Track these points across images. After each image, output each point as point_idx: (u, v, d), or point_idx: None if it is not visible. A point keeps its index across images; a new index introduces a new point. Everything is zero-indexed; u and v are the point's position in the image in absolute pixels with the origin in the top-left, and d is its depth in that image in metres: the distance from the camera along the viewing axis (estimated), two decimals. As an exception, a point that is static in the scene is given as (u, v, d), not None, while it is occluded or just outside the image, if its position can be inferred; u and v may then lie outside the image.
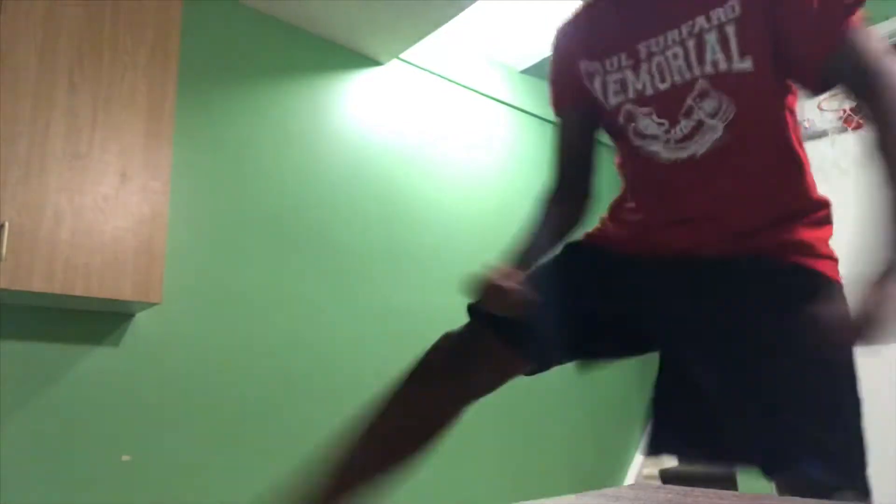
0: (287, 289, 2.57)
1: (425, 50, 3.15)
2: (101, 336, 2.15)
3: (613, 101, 1.15)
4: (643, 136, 1.13)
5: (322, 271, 2.68)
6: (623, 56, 1.13)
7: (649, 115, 1.11)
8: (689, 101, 1.06)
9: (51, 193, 1.86)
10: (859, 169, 2.76)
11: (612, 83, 1.15)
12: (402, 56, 3.08)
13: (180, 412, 2.23)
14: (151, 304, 2.04)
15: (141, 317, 2.22)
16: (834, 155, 2.83)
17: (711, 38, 1.03)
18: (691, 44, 1.05)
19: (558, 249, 1.25)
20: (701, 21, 1.04)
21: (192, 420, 2.25)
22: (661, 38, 1.08)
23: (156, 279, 1.99)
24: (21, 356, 2.00)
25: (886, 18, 2.65)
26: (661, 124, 1.10)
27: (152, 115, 2.08)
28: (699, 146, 1.07)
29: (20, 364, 1.99)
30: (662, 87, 1.09)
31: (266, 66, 2.69)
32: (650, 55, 1.09)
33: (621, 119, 1.15)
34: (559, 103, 1.28)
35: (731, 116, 1.04)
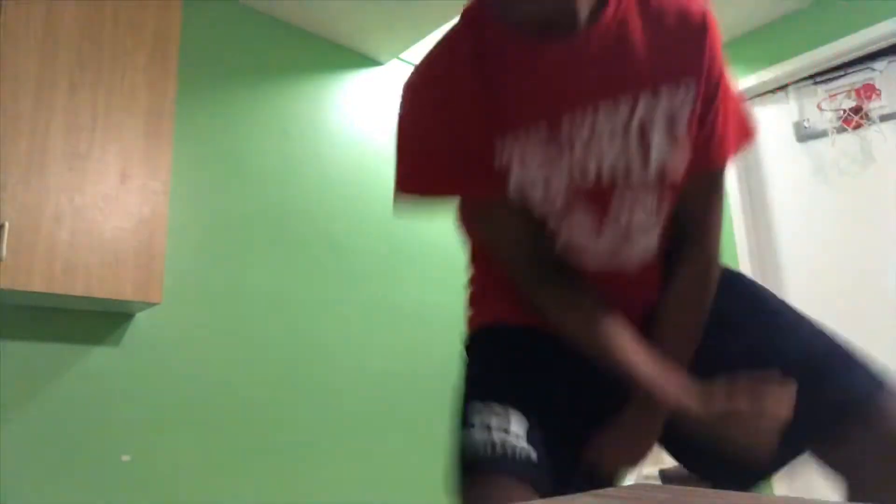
0: (287, 288, 2.57)
1: (425, 50, 3.15)
2: (101, 336, 2.15)
3: (537, 196, 0.88)
4: (567, 242, 0.92)
5: (322, 270, 2.68)
6: (542, 129, 0.84)
7: (567, 217, 0.90)
8: (615, 205, 0.88)
9: (51, 193, 1.86)
10: (859, 169, 2.76)
11: (532, 178, 0.86)
12: (402, 56, 3.08)
13: (180, 412, 2.23)
14: (151, 304, 2.03)
15: (141, 317, 2.22)
16: (834, 155, 2.84)
17: (659, 124, 0.83)
18: (634, 127, 0.83)
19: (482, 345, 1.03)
20: (647, 99, 0.83)
21: (192, 420, 2.25)
22: (588, 115, 0.83)
23: (156, 279, 1.99)
24: (21, 356, 2.00)
25: (886, 18, 2.65)
26: (589, 231, 0.90)
27: (152, 115, 2.08)
28: (629, 249, 0.93)
29: (20, 364, 1.99)
30: (585, 181, 0.86)
31: (266, 66, 2.69)
32: (574, 136, 0.84)
33: (551, 222, 0.90)
34: (481, 190, 0.88)
35: (667, 211, 0.91)
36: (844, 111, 2.82)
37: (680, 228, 0.94)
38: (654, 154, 0.84)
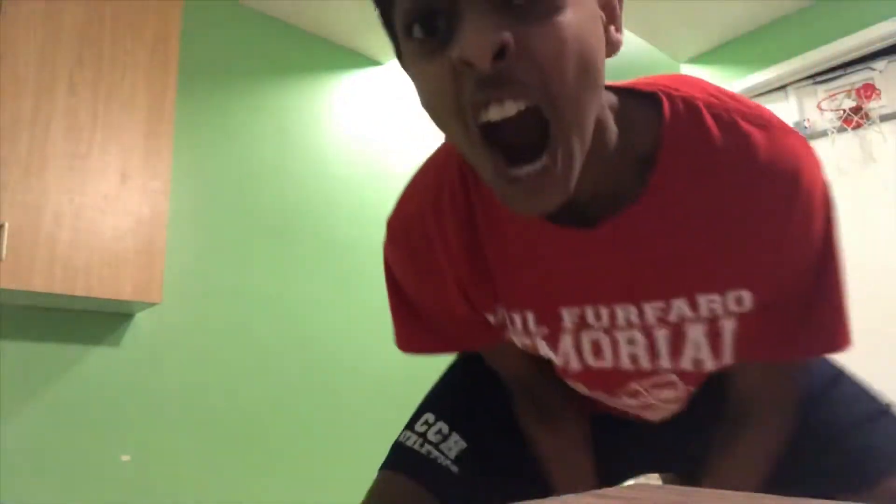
0: (287, 288, 2.57)
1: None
2: (101, 336, 2.15)
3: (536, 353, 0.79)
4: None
5: (322, 271, 2.68)
6: (531, 317, 0.72)
7: (574, 383, 0.80)
8: (634, 385, 0.75)
9: (51, 193, 1.86)
10: (859, 169, 2.77)
11: (531, 345, 0.76)
12: (401, 56, 3.08)
13: (180, 412, 2.23)
14: (151, 304, 2.04)
15: (141, 317, 2.22)
16: (834, 155, 2.84)
17: (697, 333, 0.67)
18: (662, 334, 0.68)
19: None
20: (681, 306, 0.66)
21: (192, 420, 2.25)
22: (603, 311, 0.69)
23: (156, 279, 1.99)
24: (21, 356, 2.00)
25: (886, 18, 2.65)
26: (599, 395, 0.81)
27: (152, 115, 2.08)
28: (646, 413, 0.83)
29: (20, 364, 1.99)
30: (597, 364, 0.73)
31: (266, 66, 2.69)
32: (581, 327, 0.70)
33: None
34: (477, 346, 0.83)
35: (702, 382, 0.78)
36: (844, 111, 2.82)
37: (737, 402, 0.75)
38: (689, 351, 0.68)
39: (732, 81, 3.05)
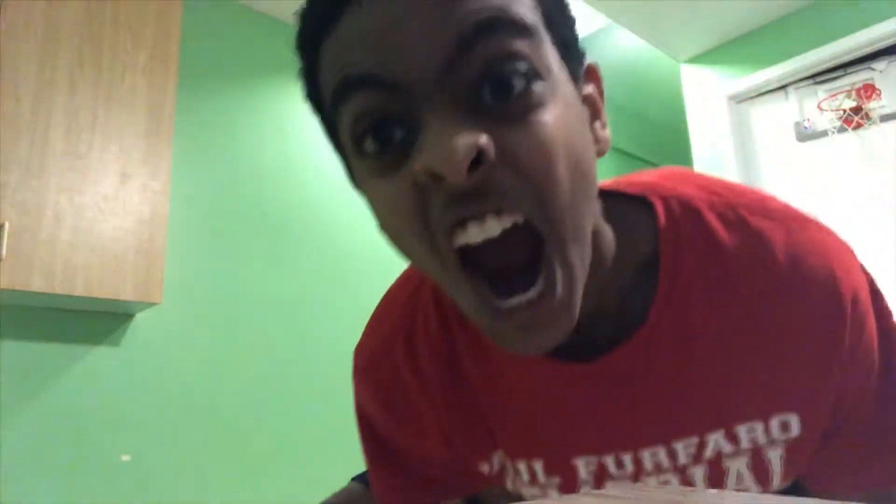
0: (287, 288, 2.57)
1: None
2: (101, 336, 2.15)
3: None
4: None
5: (322, 270, 2.68)
6: (539, 466, 0.60)
7: None
8: None
9: (51, 193, 1.86)
10: (858, 169, 2.76)
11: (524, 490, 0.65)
12: (402, 56, 3.08)
13: (180, 412, 2.23)
14: (151, 304, 2.03)
15: (141, 317, 2.22)
16: (834, 155, 2.84)
17: (739, 465, 0.56)
18: (699, 473, 0.57)
19: None
20: (718, 440, 0.55)
21: (192, 420, 2.25)
22: (625, 458, 0.58)
23: (156, 279, 1.99)
24: (21, 356, 2.00)
25: (886, 18, 2.65)
26: None
27: (152, 115, 2.08)
28: None
29: (20, 364, 1.99)
30: None
31: (266, 66, 2.69)
32: (602, 478, 0.59)
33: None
34: (458, 492, 0.69)
35: None
36: (844, 111, 2.82)
37: None
38: (731, 485, 0.58)
39: (732, 81, 3.05)
